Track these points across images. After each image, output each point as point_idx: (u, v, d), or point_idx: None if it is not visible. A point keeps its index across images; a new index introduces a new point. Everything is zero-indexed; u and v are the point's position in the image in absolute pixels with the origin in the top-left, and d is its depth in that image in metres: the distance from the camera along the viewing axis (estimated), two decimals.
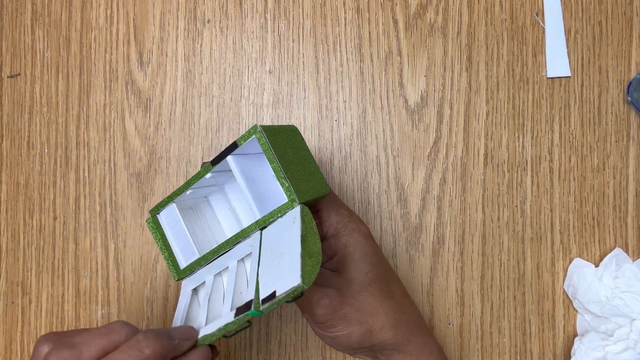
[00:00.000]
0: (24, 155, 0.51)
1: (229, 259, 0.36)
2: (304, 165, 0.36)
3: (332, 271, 0.38)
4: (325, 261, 0.39)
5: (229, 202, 0.40)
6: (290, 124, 0.37)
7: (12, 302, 0.50)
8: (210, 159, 0.38)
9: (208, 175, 0.36)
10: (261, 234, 0.34)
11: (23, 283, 0.50)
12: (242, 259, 0.36)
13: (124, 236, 0.50)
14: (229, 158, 0.34)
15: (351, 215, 0.39)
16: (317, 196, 0.36)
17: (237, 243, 0.36)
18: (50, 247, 0.50)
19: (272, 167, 0.33)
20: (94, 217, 0.50)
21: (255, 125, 0.33)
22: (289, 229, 0.32)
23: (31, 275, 0.50)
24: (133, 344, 0.29)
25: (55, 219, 0.50)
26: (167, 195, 0.38)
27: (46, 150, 0.51)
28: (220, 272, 0.37)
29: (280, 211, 0.33)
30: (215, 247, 0.36)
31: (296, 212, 0.32)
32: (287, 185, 0.33)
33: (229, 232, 0.40)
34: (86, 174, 0.50)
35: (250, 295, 0.31)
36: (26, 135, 0.51)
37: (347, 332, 0.37)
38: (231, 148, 0.34)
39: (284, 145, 0.34)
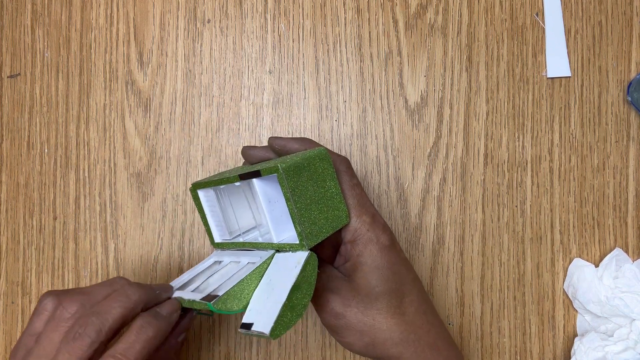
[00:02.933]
0: (24, 155, 0.51)
1: (245, 257, 0.38)
2: (325, 199, 0.36)
3: (345, 275, 0.38)
4: (341, 264, 0.39)
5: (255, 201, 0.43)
6: (322, 146, 0.38)
7: (12, 302, 0.50)
8: (240, 170, 0.41)
9: (237, 184, 0.38)
10: (274, 255, 0.36)
11: (23, 283, 0.50)
12: (253, 263, 0.38)
13: (124, 236, 0.50)
14: (254, 181, 0.36)
15: (373, 223, 0.37)
16: (335, 230, 0.37)
17: (257, 248, 0.38)
18: (50, 247, 0.50)
19: (289, 211, 0.35)
20: (94, 217, 0.50)
21: (277, 167, 0.34)
22: (290, 271, 0.34)
23: (31, 275, 0.50)
24: (121, 292, 0.34)
25: (55, 219, 0.50)
26: (206, 178, 0.41)
27: (46, 150, 0.51)
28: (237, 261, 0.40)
29: (292, 247, 0.35)
30: (241, 242, 0.40)
31: (301, 258, 0.34)
32: (299, 230, 0.34)
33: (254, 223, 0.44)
34: (86, 174, 0.50)
35: (226, 289, 0.34)
36: (26, 135, 0.51)
37: (349, 340, 0.37)
38: (255, 174, 0.36)
39: (306, 181, 0.35)
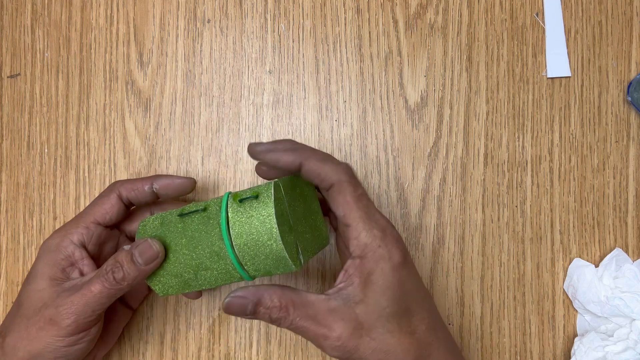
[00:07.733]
0: (24, 155, 0.51)
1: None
2: (311, 219, 0.38)
3: (351, 296, 0.35)
4: (345, 280, 0.36)
5: None
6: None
7: (12, 302, 0.50)
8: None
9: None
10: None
11: None
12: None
13: None
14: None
15: (384, 238, 0.35)
16: (319, 250, 0.38)
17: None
18: None
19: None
20: None
21: (277, 181, 0.35)
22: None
23: None
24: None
25: (55, 219, 0.50)
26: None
27: (46, 150, 0.51)
28: None
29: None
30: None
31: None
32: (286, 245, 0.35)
33: None
34: (86, 174, 0.50)
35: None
36: (26, 135, 0.51)
37: None
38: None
39: (298, 198, 0.37)
